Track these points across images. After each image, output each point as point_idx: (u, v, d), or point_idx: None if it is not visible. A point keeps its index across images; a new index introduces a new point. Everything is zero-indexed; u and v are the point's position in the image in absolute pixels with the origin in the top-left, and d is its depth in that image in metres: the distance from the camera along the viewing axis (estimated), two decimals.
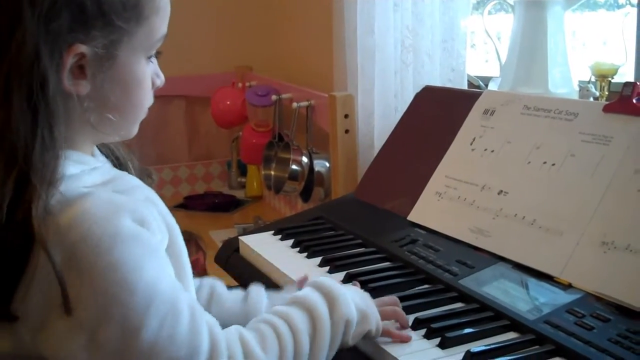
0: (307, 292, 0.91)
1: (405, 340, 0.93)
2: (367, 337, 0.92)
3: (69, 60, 0.78)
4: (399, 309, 0.97)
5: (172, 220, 0.88)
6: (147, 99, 0.88)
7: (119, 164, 0.94)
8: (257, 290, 1.07)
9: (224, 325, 1.01)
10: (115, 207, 0.77)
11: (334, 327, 0.87)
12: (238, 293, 1.07)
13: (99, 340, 0.74)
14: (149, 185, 0.93)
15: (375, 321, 0.92)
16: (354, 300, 0.91)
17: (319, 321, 0.86)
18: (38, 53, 0.76)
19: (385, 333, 0.94)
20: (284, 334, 0.84)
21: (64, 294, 0.74)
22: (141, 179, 0.93)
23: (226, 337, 0.81)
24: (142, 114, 0.89)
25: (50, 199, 0.75)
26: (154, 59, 0.89)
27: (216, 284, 1.08)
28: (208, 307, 1.04)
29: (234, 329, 0.84)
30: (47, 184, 0.75)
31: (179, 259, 0.88)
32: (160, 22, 0.86)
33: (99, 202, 0.77)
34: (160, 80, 0.90)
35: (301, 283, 1.12)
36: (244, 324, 0.99)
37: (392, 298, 1.00)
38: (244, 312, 1.03)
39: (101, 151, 0.92)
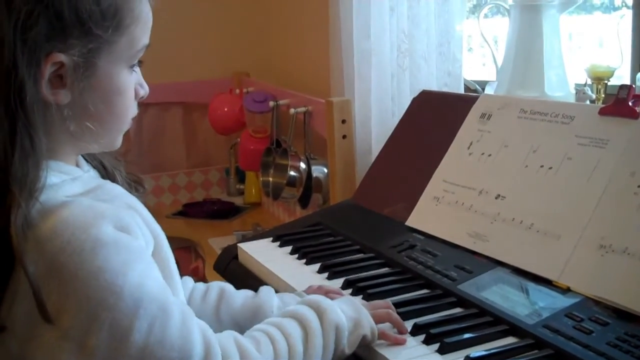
0: (296, 306, 0.92)
1: (400, 342, 0.94)
2: (364, 342, 0.93)
3: (47, 70, 0.78)
4: (392, 311, 0.98)
5: (157, 228, 0.88)
6: (130, 109, 0.88)
7: (106, 173, 0.94)
8: (266, 288, 1.08)
9: (235, 324, 1.01)
10: (95, 214, 0.77)
11: (324, 332, 0.88)
12: (248, 292, 1.08)
13: (89, 348, 0.74)
14: (140, 194, 0.93)
15: (369, 325, 0.93)
16: (342, 309, 0.92)
17: (310, 328, 0.88)
18: (15, 62, 0.75)
19: (382, 336, 0.94)
20: (277, 338, 0.85)
21: (40, 304, 0.73)
22: (129, 188, 0.93)
23: (219, 339, 0.81)
24: (125, 124, 0.89)
25: (30, 208, 0.75)
26: (137, 69, 0.88)
27: (225, 285, 1.09)
28: (218, 306, 1.04)
29: (227, 332, 0.85)
30: (27, 193, 0.75)
31: (166, 266, 0.88)
32: (140, 31, 0.85)
33: (79, 210, 0.77)
34: (144, 91, 0.89)
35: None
36: (254, 321, 1.00)
37: (385, 302, 1.01)
38: (255, 307, 1.03)
39: (87, 161, 0.92)
